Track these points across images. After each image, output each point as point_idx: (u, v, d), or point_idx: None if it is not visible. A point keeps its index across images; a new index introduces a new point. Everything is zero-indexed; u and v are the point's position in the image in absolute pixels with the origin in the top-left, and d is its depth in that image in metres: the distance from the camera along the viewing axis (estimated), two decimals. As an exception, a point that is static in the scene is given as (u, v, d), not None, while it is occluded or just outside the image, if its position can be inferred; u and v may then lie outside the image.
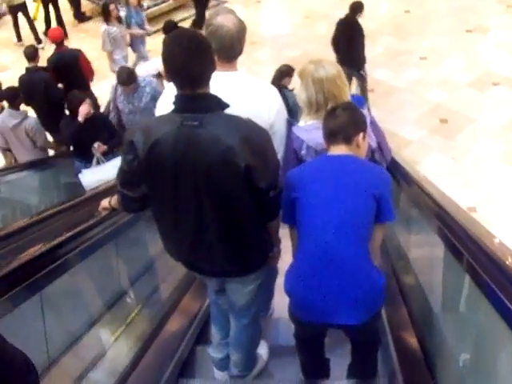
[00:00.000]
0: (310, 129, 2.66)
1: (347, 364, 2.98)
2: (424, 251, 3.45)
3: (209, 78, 2.13)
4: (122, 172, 2.29)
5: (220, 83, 2.56)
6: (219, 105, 2.15)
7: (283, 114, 2.71)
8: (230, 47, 2.55)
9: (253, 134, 2.14)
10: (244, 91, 2.59)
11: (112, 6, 7.97)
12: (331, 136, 2.42)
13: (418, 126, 8.18)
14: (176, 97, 2.15)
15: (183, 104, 2.13)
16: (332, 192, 2.29)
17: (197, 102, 2.12)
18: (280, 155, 2.60)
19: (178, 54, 2.06)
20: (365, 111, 2.74)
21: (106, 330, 3.07)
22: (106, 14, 7.98)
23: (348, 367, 3.03)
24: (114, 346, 3.04)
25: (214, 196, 2.20)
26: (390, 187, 2.36)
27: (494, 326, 1.76)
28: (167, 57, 2.10)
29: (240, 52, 2.61)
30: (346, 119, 2.41)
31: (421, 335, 2.90)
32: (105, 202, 2.81)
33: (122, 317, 3.25)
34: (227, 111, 2.19)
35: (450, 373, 2.45)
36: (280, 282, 3.43)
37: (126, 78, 5.95)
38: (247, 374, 3.11)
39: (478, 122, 8.18)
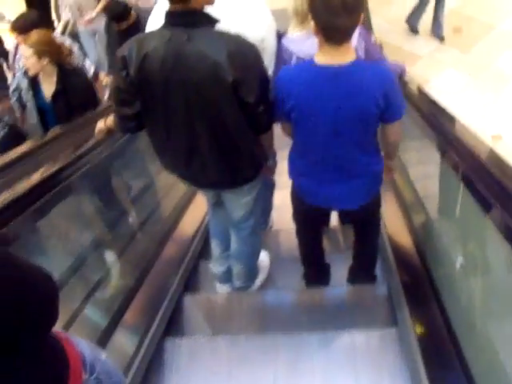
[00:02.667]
0: (299, 40, 2.60)
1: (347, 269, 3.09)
2: (420, 161, 3.46)
3: None
4: (117, 90, 2.31)
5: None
6: (208, 20, 2.14)
7: (273, 28, 2.66)
8: None
9: (240, 50, 2.13)
10: (233, 7, 2.52)
11: None
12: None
13: (427, 37, 7.16)
14: (166, 12, 2.14)
15: (173, 19, 2.14)
16: (330, 96, 2.18)
17: (186, 17, 2.11)
18: (271, 69, 2.56)
19: None
20: None
21: (111, 250, 3.14)
22: None
23: (348, 270, 3.12)
24: (119, 264, 3.12)
25: (204, 110, 2.23)
26: (394, 85, 2.26)
27: (487, 230, 1.80)
28: None
29: None
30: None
31: (418, 241, 2.96)
32: (100, 124, 2.82)
33: (126, 236, 3.31)
34: (217, 27, 2.17)
35: (446, 275, 2.52)
36: (278, 196, 3.48)
37: (22, 22, 4.33)
38: (250, 286, 3.21)
39: (498, 29, 7.10)
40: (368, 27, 4.75)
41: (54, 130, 3.45)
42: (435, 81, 6.36)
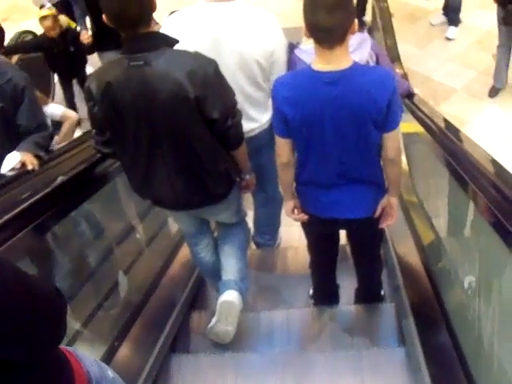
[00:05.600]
0: (312, 50, 2.61)
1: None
2: (428, 177, 3.44)
3: (150, 17, 2.12)
4: (90, 119, 2.36)
5: (218, 14, 2.53)
6: (165, 42, 2.17)
7: (283, 41, 2.70)
8: None
9: (198, 67, 2.15)
10: (243, 21, 2.56)
11: None
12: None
13: (462, 64, 5.86)
14: (122, 39, 2.16)
15: (128, 45, 2.16)
16: (329, 101, 2.12)
17: (141, 41, 2.13)
18: None
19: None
20: (365, 34, 2.69)
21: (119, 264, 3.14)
22: None
23: (355, 293, 3.11)
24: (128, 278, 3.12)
25: (170, 131, 2.25)
26: (395, 90, 2.13)
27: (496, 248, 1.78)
28: (105, 2, 2.08)
29: None
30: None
31: (427, 260, 2.94)
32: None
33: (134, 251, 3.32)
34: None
35: (455, 295, 2.50)
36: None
37: None
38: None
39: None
40: (394, 57, 4.30)
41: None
42: (475, 121, 5.17)
